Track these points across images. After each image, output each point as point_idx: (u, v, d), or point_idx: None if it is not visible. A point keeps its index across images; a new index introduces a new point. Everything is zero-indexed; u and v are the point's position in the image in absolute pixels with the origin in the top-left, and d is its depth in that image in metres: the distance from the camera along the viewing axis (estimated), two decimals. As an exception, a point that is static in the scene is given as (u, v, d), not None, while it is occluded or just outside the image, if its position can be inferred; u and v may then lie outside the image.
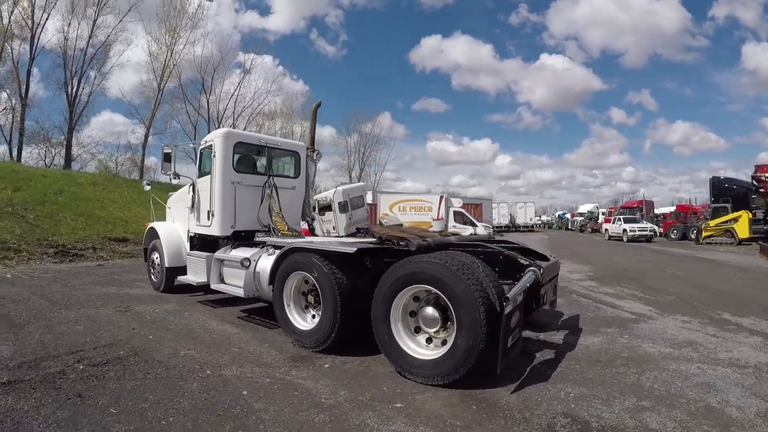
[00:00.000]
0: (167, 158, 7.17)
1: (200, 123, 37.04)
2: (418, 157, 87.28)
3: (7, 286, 7.62)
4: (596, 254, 17.42)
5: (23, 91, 26.41)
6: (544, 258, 4.93)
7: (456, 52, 76.88)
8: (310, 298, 4.68)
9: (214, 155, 6.37)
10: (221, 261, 6.13)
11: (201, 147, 6.79)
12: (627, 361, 4.06)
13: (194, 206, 6.94)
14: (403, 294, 3.69)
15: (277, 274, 4.83)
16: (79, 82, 29.00)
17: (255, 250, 5.77)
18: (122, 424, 2.74)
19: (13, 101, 26.45)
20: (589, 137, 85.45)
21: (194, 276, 6.64)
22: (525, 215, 43.67)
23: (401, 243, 4.26)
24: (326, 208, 16.37)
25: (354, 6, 72.66)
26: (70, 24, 27.64)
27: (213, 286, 6.09)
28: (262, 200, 6.68)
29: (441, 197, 21.60)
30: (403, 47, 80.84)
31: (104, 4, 28.81)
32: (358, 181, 50.46)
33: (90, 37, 28.70)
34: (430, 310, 3.61)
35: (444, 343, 3.52)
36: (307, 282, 4.67)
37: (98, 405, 3.00)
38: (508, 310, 3.13)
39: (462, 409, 3.01)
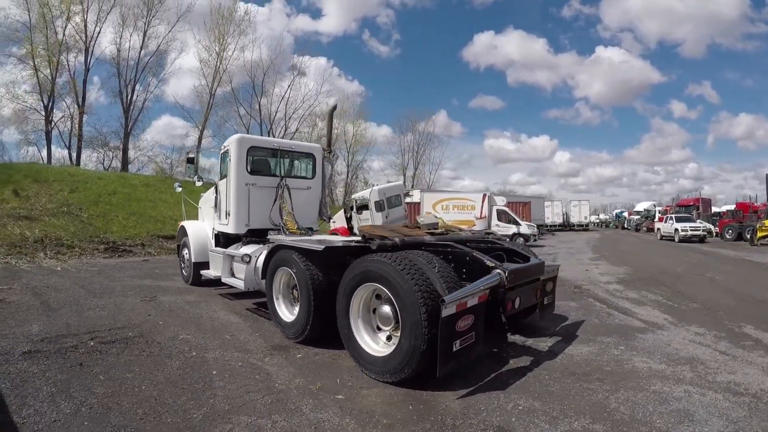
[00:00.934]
0: (190, 161, 8.04)
1: (253, 125, 40.45)
2: (476, 155, 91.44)
3: (56, 277, 8.88)
4: (639, 255, 16.88)
5: (80, 99, 30.20)
6: (526, 260, 5.03)
7: (509, 48, 78.70)
8: (295, 293, 5.14)
9: (230, 159, 7.04)
10: (231, 257, 6.79)
11: (221, 152, 7.51)
12: (606, 375, 3.87)
13: (216, 206, 7.69)
14: (360, 291, 3.99)
15: (267, 269, 5.37)
16: (132, 90, 32.65)
17: (258, 246, 6.36)
18: (104, 387, 3.38)
19: (72, 109, 30.39)
20: (650, 132, 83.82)
21: (214, 270, 7.38)
22: (579, 214, 43.44)
23: (381, 241, 4.58)
24: (364, 207, 17.07)
25: (404, 5, 75.61)
26: (122, 36, 31.37)
27: (223, 280, 6.78)
28: (275, 200, 7.23)
29: (484, 195, 21.71)
30: (456, 45, 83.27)
31: (153, 16, 32.28)
32: (412, 180, 52.12)
33: (141, 47, 32.32)
34: (386, 308, 3.86)
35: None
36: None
37: (92, 372, 3.69)
38: (446, 312, 3.23)
39: (398, 407, 3.19)
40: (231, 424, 2.86)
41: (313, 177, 7.97)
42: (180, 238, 9.10)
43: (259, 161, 7.43)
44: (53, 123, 29.31)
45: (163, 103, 50.04)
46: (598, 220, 58.08)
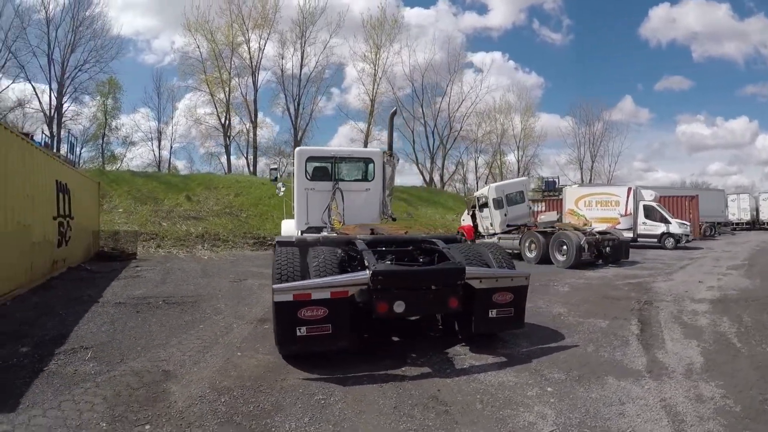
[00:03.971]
0: (274, 170, 10.85)
1: (417, 127, 46.58)
2: (668, 144, 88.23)
3: (194, 263, 12.99)
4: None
5: (252, 116, 40.03)
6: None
7: (689, 19, 75.37)
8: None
9: (294, 168, 9.43)
10: None
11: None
12: (463, 413, 3.70)
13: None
14: None
15: (276, 259, 7.46)
16: (298, 103, 40.96)
17: None
18: (134, 323, 6.11)
19: (247, 125, 40.19)
20: None
21: None
22: None
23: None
24: (485, 205, 18.26)
25: (570, -13, 72.87)
26: (283, 56, 40.25)
27: None
28: (329, 203, 9.29)
29: (628, 189, 20.60)
30: (632, 23, 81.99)
31: (307, 37, 40.09)
32: (590, 174, 52.10)
33: (302, 65, 40.57)
34: None
35: None
36: None
37: (138, 317, 6.51)
38: (279, 298, 4.20)
39: (255, 370, 4.43)
40: (164, 349, 5.04)
41: (372, 180, 9.65)
42: (282, 235, 12.10)
43: (318, 168, 9.56)
44: (231, 138, 39.74)
45: (346, 110, 60.93)
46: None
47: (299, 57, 39.95)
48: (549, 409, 3.81)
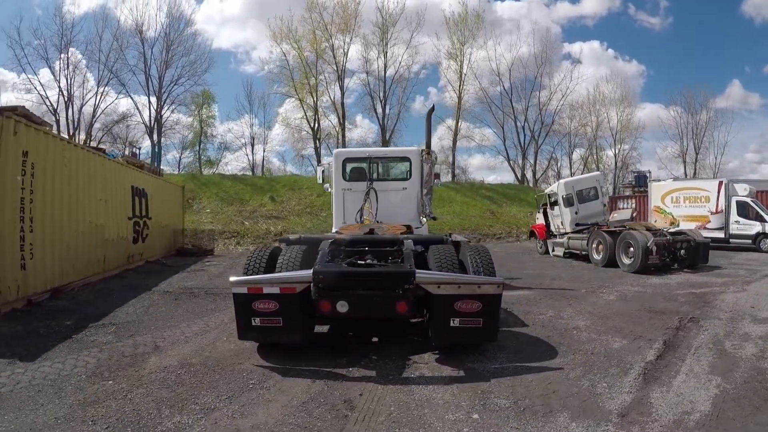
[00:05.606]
0: (323, 173, 11.89)
1: (508, 124, 46.03)
2: None
3: (261, 258, 14.47)
4: None
5: (341, 118, 42.40)
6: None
7: None
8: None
9: (332, 169, 10.32)
10: None
11: None
12: (347, 414, 3.76)
13: None
14: None
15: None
16: (384, 104, 42.43)
17: None
18: (164, 308, 7.49)
19: (336, 128, 42.73)
20: None
21: None
22: None
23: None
24: (557, 203, 18.03)
25: (664, -33, 67.93)
26: (367, 60, 42.05)
27: None
28: (363, 202, 10.02)
29: (720, 183, 18.70)
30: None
31: (389, 38, 41.30)
32: (694, 167, 47.76)
33: (386, 67, 42.01)
34: None
35: None
36: None
37: (172, 302, 7.94)
38: (236, 290, 4.75)
39: (226, 352, 5.23)
40: (171, 330, 6.20)
41: (408, 178, 10.16)
42: (337, 233, 13.14)
43: (355, 169, 10.29)
44: (320, 140, 42.44)
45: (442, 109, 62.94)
46: None
47: (383, 59, 41.55)
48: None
